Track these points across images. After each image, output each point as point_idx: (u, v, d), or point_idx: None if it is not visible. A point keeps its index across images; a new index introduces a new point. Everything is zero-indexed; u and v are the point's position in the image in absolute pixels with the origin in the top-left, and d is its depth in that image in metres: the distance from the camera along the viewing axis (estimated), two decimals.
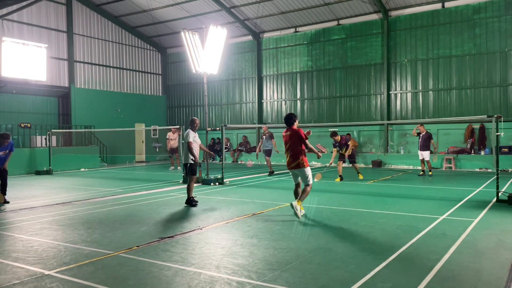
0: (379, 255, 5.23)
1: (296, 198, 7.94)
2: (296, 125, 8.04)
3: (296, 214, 7.51)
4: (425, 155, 14.66)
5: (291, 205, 7.59)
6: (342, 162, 13.79)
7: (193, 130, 9.33)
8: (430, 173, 14.76)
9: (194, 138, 9.24)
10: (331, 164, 14.42)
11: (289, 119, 7.98)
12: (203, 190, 11.63)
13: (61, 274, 4.68)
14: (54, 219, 7.89)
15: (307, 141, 7.77)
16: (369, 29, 20.17)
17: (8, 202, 9.88)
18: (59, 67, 21.72)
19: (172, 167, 18.81)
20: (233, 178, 14.57)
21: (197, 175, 9.47)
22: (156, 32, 25.08)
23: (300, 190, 7.99)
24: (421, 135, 14.68)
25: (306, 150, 7.88)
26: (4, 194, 10.02)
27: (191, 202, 9.10)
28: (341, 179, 13.52)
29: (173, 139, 18.75)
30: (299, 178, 7.97)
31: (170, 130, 19.36)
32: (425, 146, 14.55)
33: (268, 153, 15.78)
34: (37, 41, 20.04)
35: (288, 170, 8.04)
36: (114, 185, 13.13)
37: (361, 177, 13.88)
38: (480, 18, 17.73)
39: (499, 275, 4.47)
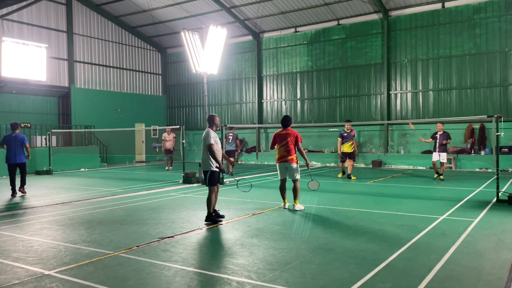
0: (379, 255, 5.22)
1: (283, 195, 8.69)
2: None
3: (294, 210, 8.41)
4: (443, 156, 13.13)
5: (293, 207, 8.45)
6: (344, 161, 14.03)
7: (213, 130, 7.54)
8: (441, 176, 13.28)
9: (215, 140, 7.41)
10: (339, 152, 14.19)
11: (288, 121, 8.72)
12: (203, 190, 11.63)
13: (61, 274, 4.68)
14: (54, 219, 7.89)
15: (300, 144, 8.61)
16: (369, 29, 20.17)
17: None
18: (59, 67, 21.72)
19: (167, 168, 18.74)
20: (233, 178, 14.53)
21: (221, 182, 7.49)
22: (156, 32, 25.08)
23: (285, 189, 8.69)
24: (439, 134, 13.18)
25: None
26: None
27: (213, 218, 7.33)
28: (343, 174, 14.18)
29: (168, 140, 18.71)
30: (287, 172, 8.57)
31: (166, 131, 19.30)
32: (444, 145, 13.13)
33: (232, 153, 15.47)
34: (37, 41, 20.05)
35: (277, 164, 8.65)
36: (114, 185, 13.13)
37: (353, 178, 13.69)
38: (480, 18, 17.73)
39: (499, 275, 4.47)
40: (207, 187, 7.43)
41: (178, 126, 16.40)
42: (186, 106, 26.60)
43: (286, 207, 8.57)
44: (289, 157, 8.45)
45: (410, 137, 19.08)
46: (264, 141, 23.35)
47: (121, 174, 17.21)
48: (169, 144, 18.65)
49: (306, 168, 8.87)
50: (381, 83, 19.91)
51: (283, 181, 8.68)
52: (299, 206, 8.44)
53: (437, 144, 13.15)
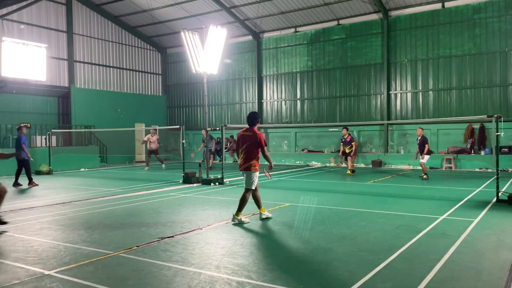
0: (379, 255, 5.22)
1: (257, 203, 7.57)
2: (257, 126, 7.56)
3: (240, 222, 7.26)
4: (424, 158, 13.73)
5: (261, 216, 7.52)
6: (347, 158, 15.87)
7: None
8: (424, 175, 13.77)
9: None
10: (340, 153, 16.86)
11: (254, 118, 7.48)
12: (203, 190, 11.64)
13: (61, 274, 4.68)
14: (54, 219, 7.89)
15: (265, 148, 7.45)
16: (369, 29, 20.17)
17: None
18: (59, 67, 21.72)
19: (147, 168, 19.07)
20: (233, 178, 14.56)
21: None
22: (156, 32, 25.08)
23: (258, 197, 7.56)
24: (418, 139, 13.93)
25: (258, 156, 7.45)
26: None
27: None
28: (353, 172, 15.67)
29: (152, 141, 19.00)
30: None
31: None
32: (420, 150, 13.76)
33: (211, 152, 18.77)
34: (37, 41, 20.04)
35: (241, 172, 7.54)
36: (114, 185, 13.13)
37: (349, 172, 15.64)
38: (480, 18, 17.73)
39: (499, 275, 4.47)
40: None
41: (178, 126, 16.40)
42: (186, 106, 26.60)
43: (264, 216, 7.53)
44: (246, 165, 7.32)
45: (410, 137, 19.07)
46: None
47: (121, 174, 17.20)
48: (154, 145, 18.89)
49: (268, 170, 7.79)
50: (381, 83, 19.91)
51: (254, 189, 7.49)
52: (239, 219, 7.20)
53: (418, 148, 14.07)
